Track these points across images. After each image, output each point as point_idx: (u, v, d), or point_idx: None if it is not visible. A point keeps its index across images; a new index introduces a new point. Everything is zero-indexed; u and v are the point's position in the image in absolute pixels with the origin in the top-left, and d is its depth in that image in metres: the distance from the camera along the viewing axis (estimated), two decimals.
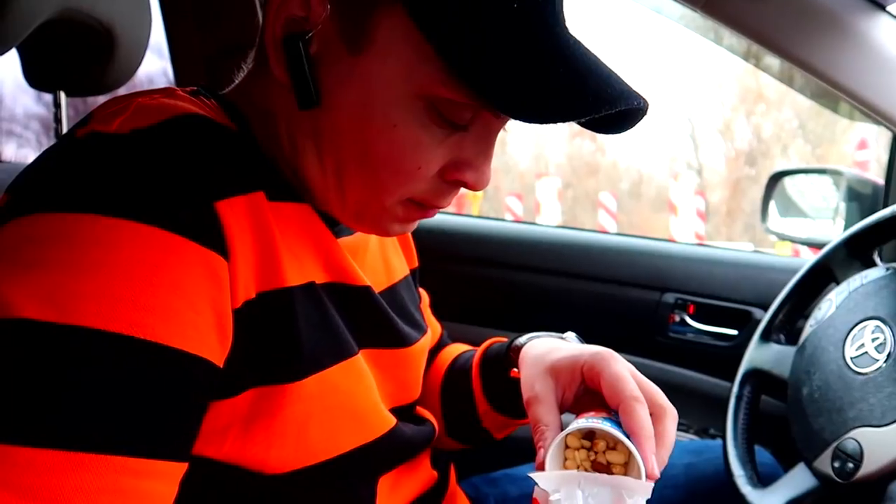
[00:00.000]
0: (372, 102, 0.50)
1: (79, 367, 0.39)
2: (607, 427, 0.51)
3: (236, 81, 0.59)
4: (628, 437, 0.51)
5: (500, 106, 0.46)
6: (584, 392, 0.60)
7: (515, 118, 0.47)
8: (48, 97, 0.97)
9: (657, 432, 0.53)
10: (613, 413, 0.55)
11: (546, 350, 0.63)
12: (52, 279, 0.40)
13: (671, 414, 0.55)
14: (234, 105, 0.56)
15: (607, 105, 0.46)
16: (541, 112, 0.46)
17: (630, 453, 0.50)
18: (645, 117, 0.51)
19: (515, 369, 0.68)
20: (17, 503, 0.36)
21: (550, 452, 0.52)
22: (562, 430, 0.53)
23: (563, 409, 0.59)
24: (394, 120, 0.49)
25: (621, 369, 0.56)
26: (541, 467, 0.52)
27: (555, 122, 0.46)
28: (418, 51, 0.47)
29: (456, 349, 0.85)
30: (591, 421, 0.52)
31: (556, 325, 0.67)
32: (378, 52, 0.49)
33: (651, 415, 0.54)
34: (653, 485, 0.48)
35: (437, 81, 0.48)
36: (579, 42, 0.49)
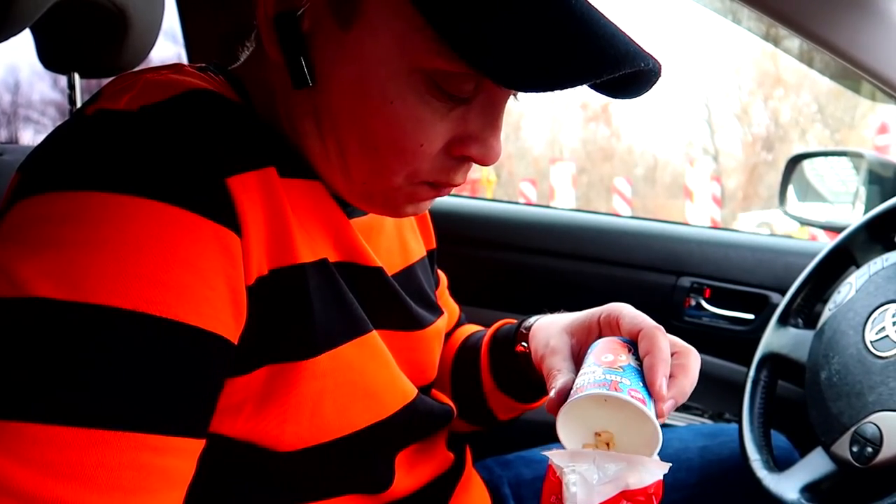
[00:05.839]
0: (367, 79, 0.48)
1: (95, 345, 0.39)
2: (628, 377, 0.50)
3: (241, 60, 0.58)
4: (644, 383, 0.51)
5: (496, 75, 0.44)
6: None
7: (513, 88, 0.45)
8: (64, 83, 0.97)
9: (681, 365, 0.54)
10: (631, 346, 0.55)
11: (559, 316, 0.66)
12: (66, 257, 0.40)
13: (694, 352, 0.57)
14: (241, 82, 0.56)
15: (609, 68, 0.43)
16: (539, 79, 0.43)
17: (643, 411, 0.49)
18: (659, 79, 0.48)
19: (523, 344, 0.68)
20: (40, 480, 0.36)
21: (563, 411, 0.50)
22: (575, 374, 0.54)
23: (577, 364, 0.59)
24: (390, 96, 0.48)
25: (640, 312, 0.58)
26: (552, 410, 0.52)
27: (554, 90, 0.44)
28: (410, 22, 0.46)
29: (469, 328, 0.85)
30: (609, 373, 0.51)
31: (571, 308, 0.67)
32: (369, 26, 0.47)
33: (674, 353, 0.55)
34: (669, 465, 0.47)
35: (432, 53, 0.46)
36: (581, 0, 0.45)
